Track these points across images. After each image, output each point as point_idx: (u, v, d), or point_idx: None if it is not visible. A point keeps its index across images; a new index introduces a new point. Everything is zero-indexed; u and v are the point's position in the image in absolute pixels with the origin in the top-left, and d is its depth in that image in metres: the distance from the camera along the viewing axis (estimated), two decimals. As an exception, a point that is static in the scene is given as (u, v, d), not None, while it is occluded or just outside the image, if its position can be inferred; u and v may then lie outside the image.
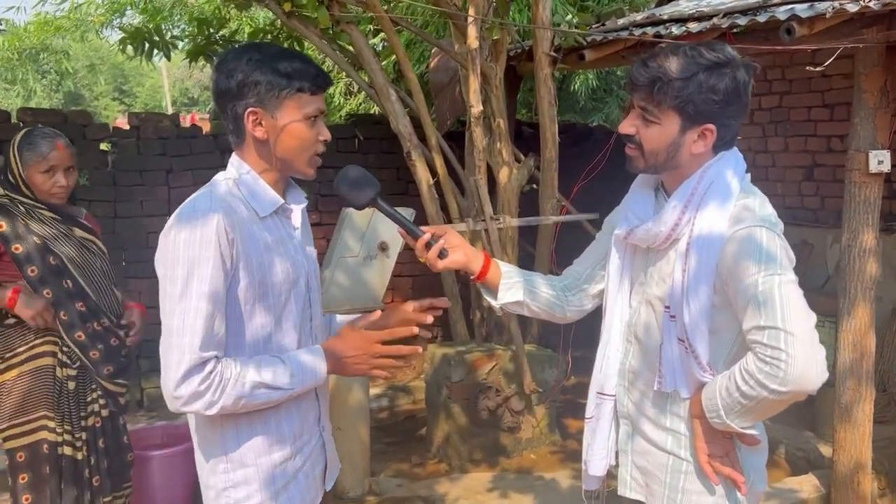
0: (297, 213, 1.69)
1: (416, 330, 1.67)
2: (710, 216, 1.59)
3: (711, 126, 1.59)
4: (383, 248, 3.76)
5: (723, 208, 1.59)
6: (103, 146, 4.81)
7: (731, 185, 1.61)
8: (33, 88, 14.08)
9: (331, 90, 8.23)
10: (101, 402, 2.76)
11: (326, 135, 1.63)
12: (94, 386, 2.73)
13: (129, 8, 9.07)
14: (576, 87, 8.66)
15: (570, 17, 5.46)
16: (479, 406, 4.12)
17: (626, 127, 1.66)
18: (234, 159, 1.64)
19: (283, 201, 1.64)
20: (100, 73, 25.17)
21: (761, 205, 1.61)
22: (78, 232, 2.74)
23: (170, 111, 21.62)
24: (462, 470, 4.10)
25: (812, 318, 1.50)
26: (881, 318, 4.38)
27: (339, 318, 1.95)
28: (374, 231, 3.70)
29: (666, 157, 1.63)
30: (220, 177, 1.63)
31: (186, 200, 1.56)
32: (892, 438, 4.19)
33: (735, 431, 1.59)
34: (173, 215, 1.53)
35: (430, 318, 1.73)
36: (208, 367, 1.48)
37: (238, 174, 1.61)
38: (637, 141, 1.64)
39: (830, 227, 4.97)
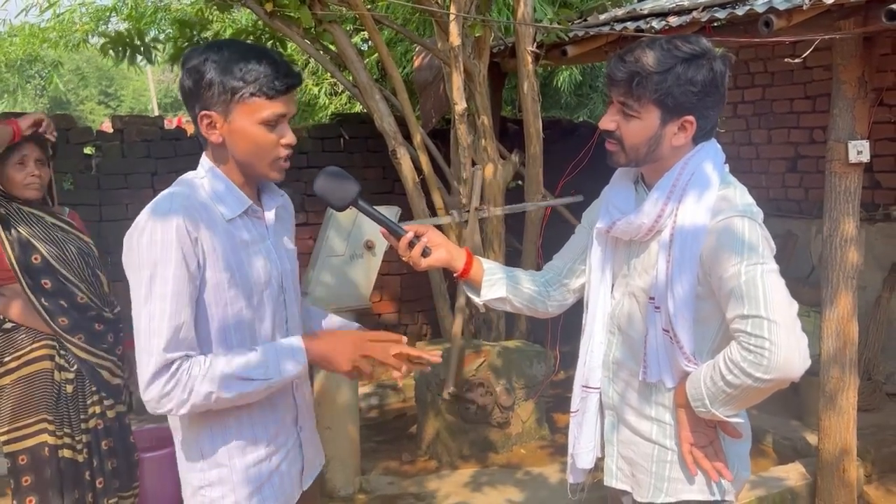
0: (270, 214, 1.67)
1: (403, 347, 1.63)
2: (691, 207, 1.60)
3: (691, 118, 1.61)
4: (369, 246, 3.77)
5: (704, 199, 1.60)
6: (87, 150, 4.79)
7: (712, 176, 1.62)
8: (18, 94, 14.02)
9: (315, 90, 8.22)
10: (107, 402, 2.77)
11: (290, 139, 1.58)
12: (93, 388, 2.75)
13: (113, 14, 9.04)
14: (560, 82, 8.67)
15: (550, 15, 5.47)
16: (467, 402, 4.13)
17: (607, 122, 1.66)
18: (203, 159, 1.62)
19: (250, 203, 1.61)
20: (88, 79, 25.07)
21: (741, 195, 1.62)
22: (62, 227, 2.75)
23: (156, 114, 21.52)
24: (452, 466, 4.11)
25: (794, 306, 1.51)
26: (865, 308, 4.42)
27: (325, 322, 1.92)
28: (359, 230, 3.71)
29: (647, 151, 1.64)
30: (187, 176, 1.61)
31: (150, 202, 1.54)
32: (878, 426, 4.23)
33: (719, 420, 1.60)
34: (138, 217, 1.51)
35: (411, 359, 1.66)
36: (174, 366, 1.47)
37: (203, 175, 1.59)
38: (618, 136, 1.65)
39: (814, 218, 5.01)
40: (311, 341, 1.63)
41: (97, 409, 2.76)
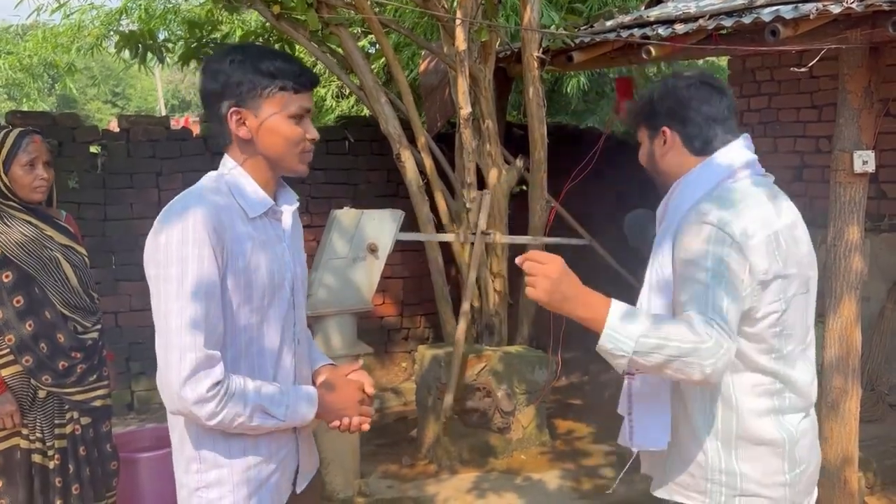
0: (288, 215, 1.69)
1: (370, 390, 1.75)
2: (671, 216, 1.74)
3: (664, 127, 1.76)
4: (372, 249, 3.77)
5: (682, 210, 1.70)
6: (93, 149, 4.81)
7: (694, 192, 1.70)
8: (35, 93, 14.07)
9: (322, 92, 8.22)
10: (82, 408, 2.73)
11: (314, 133, 1.63)
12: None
13: (124, 16, 9.07)
14: (568, 89, 8.67)
15: (557, 21, 5.48)
16: (468, 407, 4.12)
17: (640, 159, 1.87)
18: (225, 159, 1.64)
19: (272, 203, 1.63)
20: (98, 79, 25.15)
21: (718, 209, 1.62)
22: (59, 238, 2.71)
23: (163, 114, 21.57)
24: (451, 471, 4.10)
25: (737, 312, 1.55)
26: (869, 318, 4.41)
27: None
28: (362, 232, 3.71)
29: (651, 168, 1.81)
30: (210, 175, 1.63)
31: (174, 199, 1.56)
32: (881, 437, 4.21)
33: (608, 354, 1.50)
34: (161, 215, 1.53)
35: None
36: (217, 376, 1.48)
37: (228, 174, 1.61)
38: (644, 166, 1.86)
39: (819, 227, 4.95)
40: (324, 398, 1.67)
41: (74, 415, 2.71)
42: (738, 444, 1.64)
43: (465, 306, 4.30)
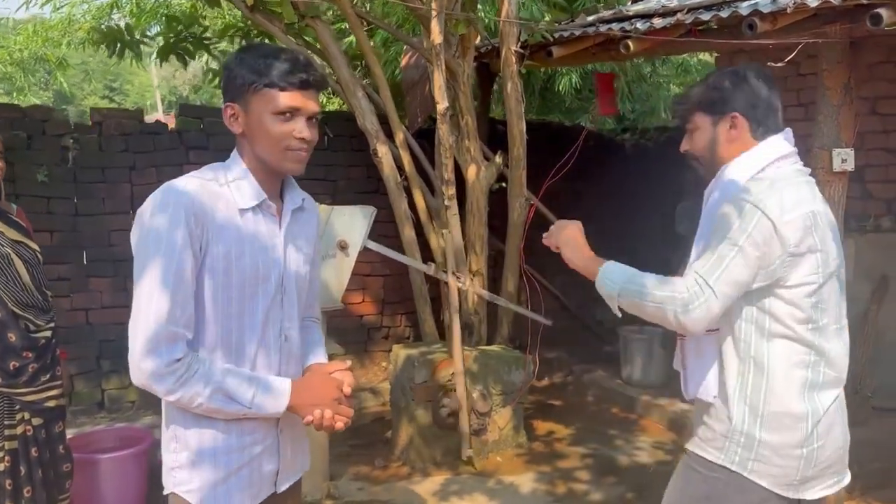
0: (287, 213, 1.71)
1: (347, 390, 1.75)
2: (718, 196, 1.86)
3: (735, 113, 1.85)
4: (342, 246, 3.68)
5: (728, 191, 1.82)
6: (64, 142, 4.71)
7: (737, 175, 1.83)
8: (26, 91, 13.99)
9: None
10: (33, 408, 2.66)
11: (305, 134, 1.62)
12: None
13: (115, 10, 8.98)
14: (560, 87, 8.60)
15: (546, 18, 5.39)
16: (441, 408, 4.04)
17: (683, 147, 1.98)
18: (234, 152, 1.70)
19: (264, 197, 1.66)
20: (93, 73, 25.06)
21: (758, 189, 1.75)
22: (9, 234, 2.64)
23: (160, 109, 21.49)
24: (424, 473, 4.02)
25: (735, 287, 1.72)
26: (853, 320, 4.33)
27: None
28: (331, 228, 3.62)
29: (708, 153, 1.91)
30: (215, 164, 1.69)
31: (170, 181, 1.62)
32: (863, 441, 4.07)
33: (596, 281, 1.84)
34: (152, 193, 1.59)
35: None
36: (178, 353, 1.52)
37: (230, 165, 1.67)
38: (692, 154, 1.95)
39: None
40: (298, 391, 1.67)
41: (25, 415, 2.64)
42: (765, 411, 1.75)
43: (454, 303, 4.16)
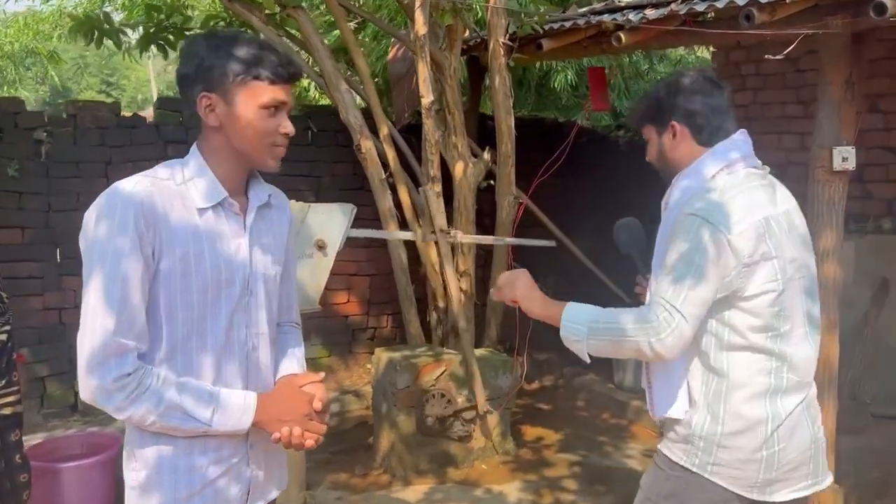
0: (251, 211, 1.60)
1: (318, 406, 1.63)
2: (673, 206, 1.86)
3: (673, 122, 1.85)
4: (320, 246, 3.52)
5: (682, 200, 1.81)
6: (37, 136, 4.53)
7: (693, 182, 1.82)
8: (17, 86, 13.84)
9: (305, 83, 7.96)
10: None
11: (288, 128, 1.56)
12: None
13: (107, 3, 8.83)
14: (556, 83, 8.45)
15: (541, 10, 5.22)
16: (425, 414, 3.89)
17: (647, 157, 1.98)
18: (192, 147, 1.59)
19: (225, 195, 1.55)
20: (90, 67, 24.90)
21: (707, 200, 1.75)
22: None
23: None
24: (406, 481, 3.87)
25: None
26: (853, 325, 4.18)
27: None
28: (308, 228, 3.46)
29: (661, 163, 1.92)
30: (170, 162, 1.58)
31: (117, 181, 1.51)
32: (861, 448, 4.00)
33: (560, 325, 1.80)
34: (100, 195, 1.48)
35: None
36: (128, 367, 1.42)
37: (187, 162, 1.57)
38: (652, 163, 1.97)
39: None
40: (264, 406, 1.57)
41: None
42: (725, 417, 1.77)
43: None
